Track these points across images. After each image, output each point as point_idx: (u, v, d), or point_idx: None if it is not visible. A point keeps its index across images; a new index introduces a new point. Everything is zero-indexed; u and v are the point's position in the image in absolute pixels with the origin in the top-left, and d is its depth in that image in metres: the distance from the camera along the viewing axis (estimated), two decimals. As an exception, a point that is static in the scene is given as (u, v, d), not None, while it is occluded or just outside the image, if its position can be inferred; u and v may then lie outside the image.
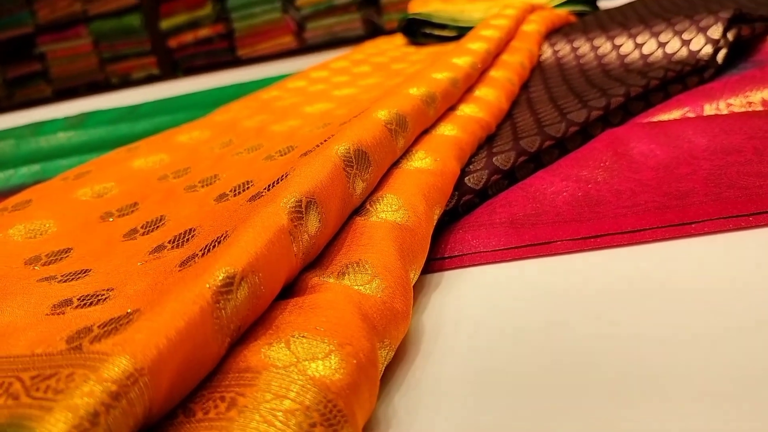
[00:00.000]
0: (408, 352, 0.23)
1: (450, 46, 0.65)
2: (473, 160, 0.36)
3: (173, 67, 2.22)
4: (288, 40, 2.10)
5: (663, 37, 0.50)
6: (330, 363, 0.18)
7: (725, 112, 0.38)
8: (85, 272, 0.26)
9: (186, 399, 0.18)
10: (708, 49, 0.46)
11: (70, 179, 0.37)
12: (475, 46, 0.49)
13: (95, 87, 2.27)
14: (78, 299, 0.22)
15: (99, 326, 0.18)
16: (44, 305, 0.23)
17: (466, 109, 0.40)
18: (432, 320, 0.25)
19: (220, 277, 0.19)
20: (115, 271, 0.25)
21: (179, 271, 0.22)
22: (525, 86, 0.53)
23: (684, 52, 0.47)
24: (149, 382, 0.15)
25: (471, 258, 0.30)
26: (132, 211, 0.33)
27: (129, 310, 0.19)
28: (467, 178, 0.34)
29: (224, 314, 0.18)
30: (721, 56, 0.46)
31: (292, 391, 0.17)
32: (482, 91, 0.44)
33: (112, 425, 0.14)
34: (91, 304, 0.22)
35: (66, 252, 0.29)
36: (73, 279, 0.25)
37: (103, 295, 0.22)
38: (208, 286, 0.18)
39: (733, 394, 0.18)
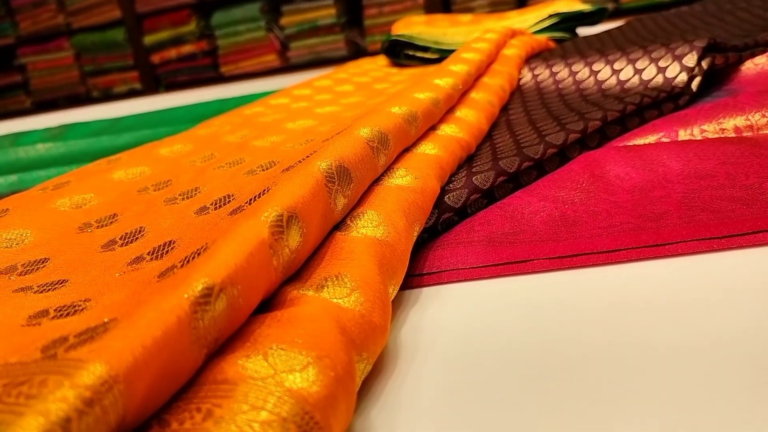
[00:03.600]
0: (385, 366, 0.23)
1: (432, 68, 0.66)
2: (453, 179, 0.37)
3: (156, 82, 2.22)
4: (271, 59, 2.11)
5: (640, 64, 0.51)
6: (308, 375, 0.18)
7: (699, 137, 0.39)
8: (62, 283, 0.26)
9: (161, 410, 0.18)
10: (683, 77, 0.47)
11: (49, 189, 0.37)
12: (456, 68, 0.50)
13: (76, 100, 2.26)
14: (54, 310, 0.22)
15: (75, 336, 0.18)
16: (20, 316, 0.22)
17: (447, 129, 0.41)
18: (410, 335, 0.25)
19: (199, 288, 0.19)
20: (93, 281, 0.25)
21: (158, 281, 0.22)
22: (505, 108, 0.54)
23: (660, 79, 0.48)
24: (124, 389, 0.15)
25: (449, 275, 0.30)
26: (111, 223, 0.33)
27: (106, 320, 0.19)
28: (447, 196, 0.35)
29: (202, 325, 0.18)
30: (695, 84, 0.47)
31: (269, 402, 0.17)
32: (463, 112, 0.44)
33: (85, 432, 0.14)
34: (67, 314, 0.21)
35: (43, 262, 0.28)
36: (49, 289, 0.25)
37: (80, 305, 0.22)
38: (186, 296, 0.18)
39: (707, 407, 0.19)
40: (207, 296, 0.19)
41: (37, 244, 0.31)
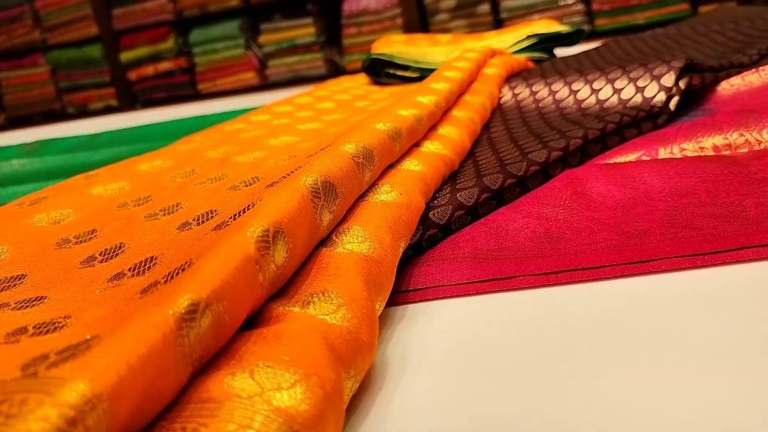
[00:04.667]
0: (373, 384, 0.23)
1: (413, 86, 0.67)
2: (437, 195, 0.37)
3: (132, 99, 2.20)
4: (249, 77, 2.11)
5: (618, 84, 0.52)
6: (295, 393, 0.18)
7: (679, 156, 0.40)
8: (40, 299, 0.25)
9: (145, 430, 0.17)
10: (661, 96, 0.48)
11: (26, 205, 0.36)
12: (438, 86, 0.50)
13: (51, 116, 2.23)
14: (33, 327, 0.21)
15: (56, 353, 0.17)
16: (-4, 333, 0.22)
17: (431, 146, 0.41)
18: (397, 352, 0.25)
19: (184, 304, 0.18)
20: (72, 298, 0.25)
21: (140, 297, 0.22)
22: (486, 126, 0.54)
23: (638, 98, 0.49)
24: (108, 409, 0.15)
25: (435, 291, 0.30)
26: (90, 239, 0.32)
27: (88, 337, 0.18)
28: (432, 212, 0.35)
29: (187, 342, 0.18)
30: (673, 103, 0.48)
31: (257, 421, 0.17)
32: (446, 130, 0.45)
33: (68, 453, 0.14)
34: (47, 331, 0.21)
35: (20, 278, 0.28)
36: (27, 306, 0.24)
37: (60, 322, 0.22)
38: (171, 312, 0.18)
39: (693, 422, 0.19)
40: (192, 312, 0.18)
41: (13, 260, 0.30)
